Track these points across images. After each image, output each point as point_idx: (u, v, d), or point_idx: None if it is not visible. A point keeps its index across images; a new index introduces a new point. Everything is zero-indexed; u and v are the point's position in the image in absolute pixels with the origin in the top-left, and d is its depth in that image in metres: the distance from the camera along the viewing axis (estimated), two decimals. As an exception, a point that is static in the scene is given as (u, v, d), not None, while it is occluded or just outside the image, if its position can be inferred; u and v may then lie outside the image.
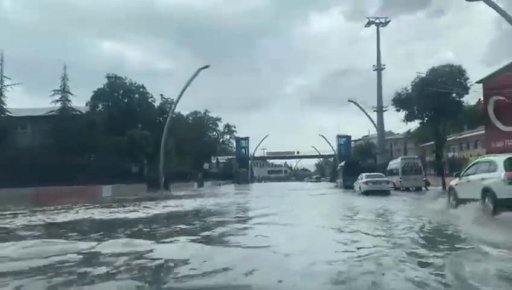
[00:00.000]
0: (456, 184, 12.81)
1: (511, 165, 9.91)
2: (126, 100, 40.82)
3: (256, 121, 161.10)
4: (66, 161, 24.66)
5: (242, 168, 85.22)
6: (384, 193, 23.60)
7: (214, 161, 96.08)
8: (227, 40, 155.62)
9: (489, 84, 24.28)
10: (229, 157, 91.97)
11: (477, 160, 12.53)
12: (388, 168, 34.10)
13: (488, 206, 10.12)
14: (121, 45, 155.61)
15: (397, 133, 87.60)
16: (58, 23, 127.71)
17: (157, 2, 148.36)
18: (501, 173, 9.92)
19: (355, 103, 57.30)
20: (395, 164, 33.01)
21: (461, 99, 30.21)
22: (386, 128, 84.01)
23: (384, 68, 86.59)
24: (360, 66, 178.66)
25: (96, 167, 28.17)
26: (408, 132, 71.99)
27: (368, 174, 26.19)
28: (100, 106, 39.43)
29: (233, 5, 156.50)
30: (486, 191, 10.24)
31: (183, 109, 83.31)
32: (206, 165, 58.66)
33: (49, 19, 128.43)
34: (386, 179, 25.64)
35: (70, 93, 33.49)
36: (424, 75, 30.49)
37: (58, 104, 33.18)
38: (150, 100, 43.54)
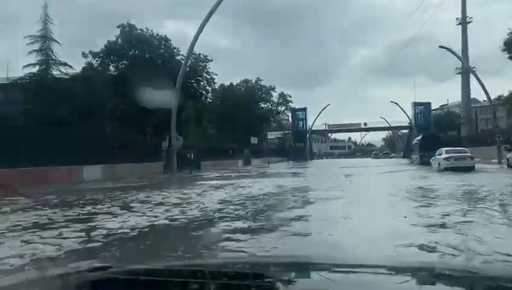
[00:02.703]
0: None
1: None
2: (147, 56, 32.01)
3: (318, 95, 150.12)
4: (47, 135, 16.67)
5: (299, 143, 74.77)
6: (468, 169, 21.06)
7: (269, 136, 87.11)
8: (290, 11, 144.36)
9: None
10: (285, 132, 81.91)
11: None
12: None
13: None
14: (182, 22, 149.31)
15: (483, 101, 73.24)
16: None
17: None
18: None
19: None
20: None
21: None
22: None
23: (471, 21, 71.65)
24: (430, 34, 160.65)
25: (79, 141, 19.63)
26: (499, 98, 58.26)
27: (449, 149, 24.02)
28: (111, 66, 30.99)
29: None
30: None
31: (237, 79, 74.49)
32: (254, 140, 49.26)
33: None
34: (469, 154, 23.24)
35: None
36: None
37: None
38: (177, 58, 34.51)
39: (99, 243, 5.62)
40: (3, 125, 17.36)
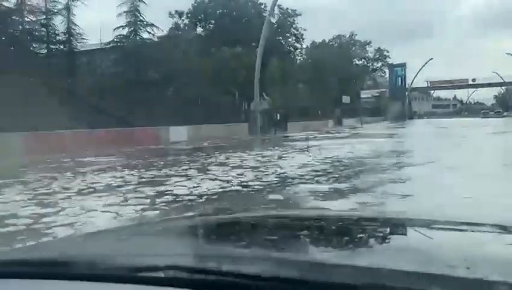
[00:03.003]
0: None
1: None
2: (234, 13, 31.21)
3: (419, 50, 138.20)
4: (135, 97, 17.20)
5: (397, 101, 69.81)
6: None
7: (364, 95, 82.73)
8: None
9: None
10: (381, 90, 76.87)
11: None
12: None
13: None
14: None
15: None
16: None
17: None
18: None
19: None
20: None
21: None
22: None
23: None
24: None
25: (168, 102, 19.86)
26: None
27: None
28: (199, 26, 30.76)
29: None
30: None
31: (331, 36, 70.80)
32: (346, 99, 46.76)
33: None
34: None
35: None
36: None
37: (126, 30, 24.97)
38: (265, 15, 33.22)
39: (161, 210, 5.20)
40: (94, 89, 18.04)
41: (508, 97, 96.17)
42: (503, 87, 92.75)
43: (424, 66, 71.59)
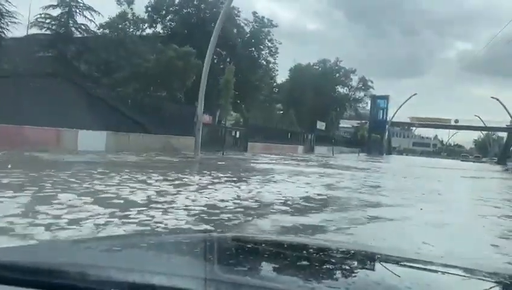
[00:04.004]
0: None
1: None
2: (201, 15, 27.66)
3: (403, 87, 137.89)
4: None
5: (376, 134, 66.97)
6: None
7: (344, 124, 79.90)
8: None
9: None
10: (362, 121, 74.18)
11: None
12: None
13: None
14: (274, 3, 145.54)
15: None
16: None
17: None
18: None
19: None
20: None
21: None
22: None
23: None
24: None
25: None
26: None
27: None
28: (159, 23, 27.06)
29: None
30: None
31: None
32: (321, 125, 43.38)
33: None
34: None
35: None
36: None
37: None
38: (237, 20, 29.77)
39: None
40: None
41: (488, 142, 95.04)
42: (483, 132, 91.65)
43: (407, 100, 69.26)
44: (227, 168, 13.59)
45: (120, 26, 20.24)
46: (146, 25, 22.89)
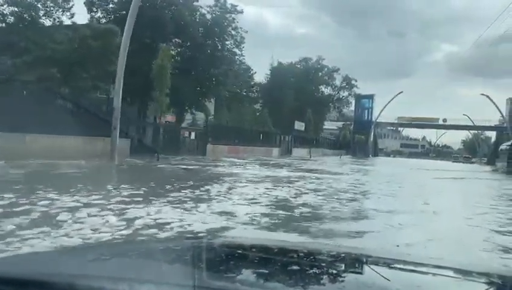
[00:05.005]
0: None
1: None
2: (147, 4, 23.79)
3: (390, 89, 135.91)
4: None
5: (362, 135, 63.46)
6: None
7: (329, 126, 76.43)
8: (369, 1, 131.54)
9: None
10: (346, 123, 70.80)
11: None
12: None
13: None
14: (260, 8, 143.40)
15: None
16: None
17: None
18: None
19: None
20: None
21: None
22: None
23: None
24: None
25: None
26: None
27: None
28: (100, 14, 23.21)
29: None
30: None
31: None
32: (299, 125, 39.70)
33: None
34: None
35: None
36: None
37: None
38: (197, 7, 26.01)
39: None
40: None
41: (476, 142, 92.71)
42: (471, 132, 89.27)
43: (393, 99, 65.88)
44: (139, 181, 9.83)
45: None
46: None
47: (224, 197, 7.68)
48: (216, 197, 7.51)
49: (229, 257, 1.17)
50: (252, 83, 57.83)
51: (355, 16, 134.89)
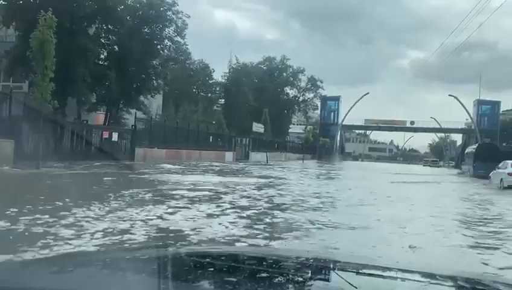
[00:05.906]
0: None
1: None
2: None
3: (358, 94, 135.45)
4: None
5: (325, 138, 60.44)
6: None
7: (295, 129, 73.46)
8: (338, 8, 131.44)
9: None
10: (312, 126, 67.89)
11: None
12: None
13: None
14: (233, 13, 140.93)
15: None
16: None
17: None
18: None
19: None
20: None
21: None
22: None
23: None
24: (488, 40, 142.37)
25: None
26: None
27: None
28: None
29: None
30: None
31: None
32: (257, 127, 36.10)
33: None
34: None
35: None
36: None
37: None
38: None
39: None
40: None
41: (443, 146, 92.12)
42: (438, 135, 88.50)
43: (359, 100, 63.41)
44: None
45: None
46: None
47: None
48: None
49: (195, 266, 1.13)
50: (211, 82, 54.21)
51: (323, 21, 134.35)
